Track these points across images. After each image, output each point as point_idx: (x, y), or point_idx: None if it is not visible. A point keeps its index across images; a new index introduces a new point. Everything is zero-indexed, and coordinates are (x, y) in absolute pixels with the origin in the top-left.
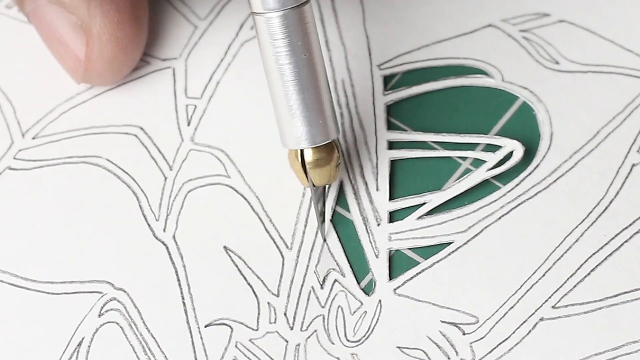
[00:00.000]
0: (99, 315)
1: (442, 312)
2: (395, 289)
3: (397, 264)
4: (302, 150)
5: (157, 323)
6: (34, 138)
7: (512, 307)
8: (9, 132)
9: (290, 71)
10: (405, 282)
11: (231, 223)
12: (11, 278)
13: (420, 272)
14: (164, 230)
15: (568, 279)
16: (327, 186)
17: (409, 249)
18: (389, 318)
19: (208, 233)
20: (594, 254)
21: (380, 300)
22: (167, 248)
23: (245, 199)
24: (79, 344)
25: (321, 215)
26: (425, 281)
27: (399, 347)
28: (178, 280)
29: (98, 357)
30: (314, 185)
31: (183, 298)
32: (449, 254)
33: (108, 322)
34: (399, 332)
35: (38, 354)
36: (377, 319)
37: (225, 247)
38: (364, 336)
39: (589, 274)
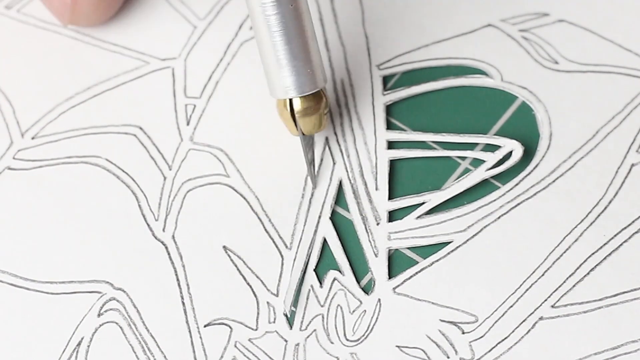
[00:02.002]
0: (98, 315)
1: (442, 311)
2: (394, 288)
3: (397, 263)
4: (290, 100)
5: (157, 323)
6: (33, 138)
7: (511, 307)
8: (8, 132)
9: (276, 22)
10: (404, 281)
11: (230, 223)
12: (10, 278)
13: (419, 271)
14: (163, 230)
15: (567, 278)
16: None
17: (408, 248)
18: (389, 317)
19: (207, 233)
20: (593, 253)
21: (379, 299)
22: (166, 248)
23: (244, 198)
24: (78, 344)
25: (311, 163)
26: (425, 280)
27: (398, 346)
28: (177, 280)
29: (97, 357)
30: (303, 134)
31: (182, 298)
32: (448, 253)
33: (107, 322)
34: (399, 331)
35: (37, 354)
36: (377, 318)
37: (224, 247)
38: (363, 335)
39: (588, 273)
